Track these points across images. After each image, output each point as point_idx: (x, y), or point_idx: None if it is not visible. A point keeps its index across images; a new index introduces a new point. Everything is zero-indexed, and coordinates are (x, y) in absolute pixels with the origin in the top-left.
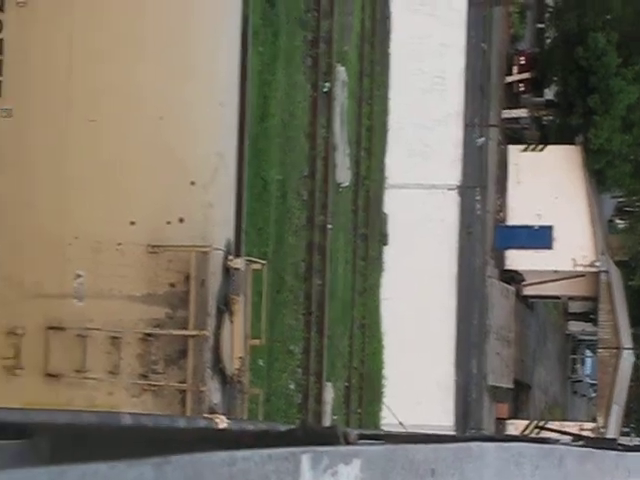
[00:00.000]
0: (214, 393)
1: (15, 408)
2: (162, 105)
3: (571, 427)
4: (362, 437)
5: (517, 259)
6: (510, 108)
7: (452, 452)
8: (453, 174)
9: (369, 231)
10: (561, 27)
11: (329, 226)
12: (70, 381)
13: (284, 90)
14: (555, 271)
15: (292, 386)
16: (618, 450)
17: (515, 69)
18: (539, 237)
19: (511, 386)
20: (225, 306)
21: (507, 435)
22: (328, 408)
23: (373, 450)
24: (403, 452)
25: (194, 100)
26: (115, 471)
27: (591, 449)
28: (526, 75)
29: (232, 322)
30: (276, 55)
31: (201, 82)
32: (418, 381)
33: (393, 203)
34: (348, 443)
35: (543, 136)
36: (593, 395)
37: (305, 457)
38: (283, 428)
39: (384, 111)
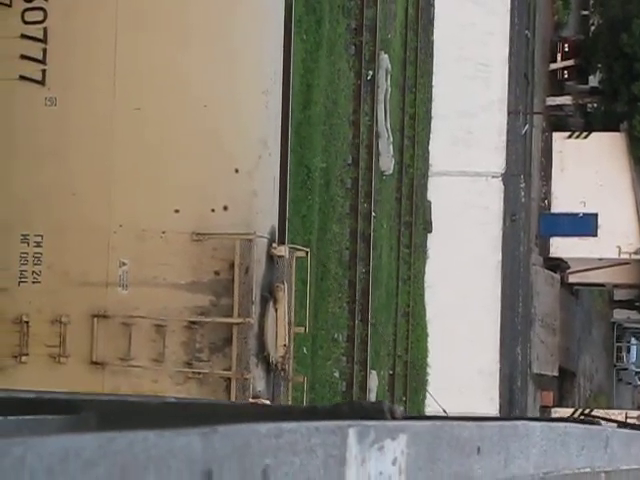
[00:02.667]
0: (258, 380)
1: (62, 391)
2: (207, 93)
3: (616, 415)
4: (408, 418)
5: (562, 247)
6: (554, 95)
7: (498, 430)
8: (497, 162)
9: (413, 219)
10: (605, 14)
11: (373, 214)
12: (115, 369)
13: (327, 78)
14: (600, 258)
15: (336, 374)
16: None
17: (559, 56)
18: (584, 224)
19: (556, 374)
20: (269, 294)
21: (553, 417)
22: (372, 396)
23: (419, 426)
24: (449, 429)
25: (238, 88)
26: (163, 439)
27: (638, 432)
28: (570, 62)
29: (276, 310)
30: (319, 43)
31: (245, 70)
32: (462, 369)
33: (437, 191)
34: (394, 419)
35: (587, 123)
36: (639, 383)
37: (352, 431)
38: (330, 405)
39: (428, 99)
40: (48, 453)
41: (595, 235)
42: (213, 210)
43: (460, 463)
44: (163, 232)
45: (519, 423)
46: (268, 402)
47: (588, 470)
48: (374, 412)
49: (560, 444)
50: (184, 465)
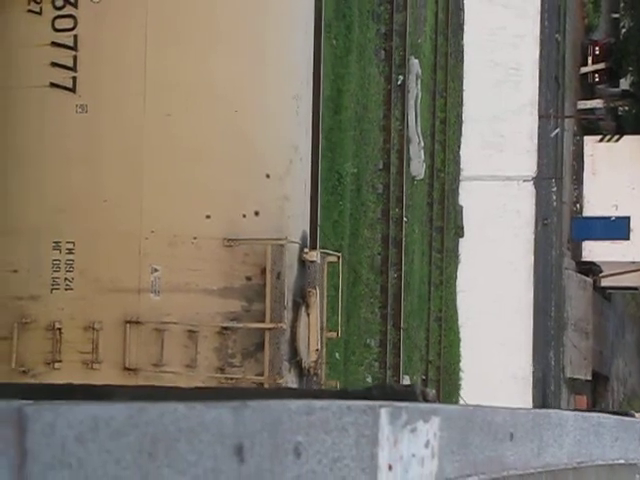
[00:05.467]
0: (291, 386)
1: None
2: (237, 98)
3: None
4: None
5: (594, 250)
6: (585, 99)
7: (531, 417)
8: (528, 165)
9: (444, 223)
10: (636, 16)
11: (405, 219)
12: (147, 375)
13: (357, 83)
14: (633, 262)
15: (369, 379)
16: None
17: (590, 59)
18: (616, 228)
19: (589, 378)
20: (301, 299)
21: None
22: None
23: (452, 409)
24: (482, 413)
25: (269, 93)
26: (194, 412)
27: None
28: (601, 65)
29: (308, 315)
30: (349, 48)
31: (275, 75)
32: (495, 374)
33: (468, 195)
34: (426, 401)
35: (619, 127)
36: None
37: (384, 411)
38: (362, 388)
39: (458, 103)
40: (78, 421)
41: (627, 238)
42: (244, 215)
43: (493, 448)
44: (194, 238)
45: (552, 412)
46: None
47: (622, 462)
48: (406, 394)
49: (594, 434)
50: (215, 438)
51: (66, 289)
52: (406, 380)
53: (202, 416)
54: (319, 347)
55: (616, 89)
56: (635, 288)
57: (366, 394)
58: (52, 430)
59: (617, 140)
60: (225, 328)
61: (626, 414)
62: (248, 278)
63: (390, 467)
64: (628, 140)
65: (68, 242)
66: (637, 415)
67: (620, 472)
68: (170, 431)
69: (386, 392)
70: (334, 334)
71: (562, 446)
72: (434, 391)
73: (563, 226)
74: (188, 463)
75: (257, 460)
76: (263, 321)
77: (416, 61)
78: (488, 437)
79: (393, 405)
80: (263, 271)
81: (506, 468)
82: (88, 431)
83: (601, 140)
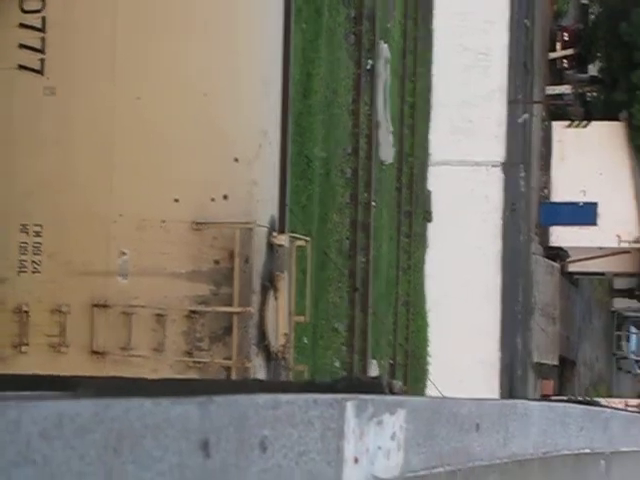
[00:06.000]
0: (259, 369)
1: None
2: (206, 81)
3: (616, 403)
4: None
5: (562, 236)
6: (554, 84)
7: (497, 408)
8: (497, 151)
9: (413, 208)
10: (605, 3)
11: (373, 203)
12: (115, 358)
13: (327, 67)
14: (600, 247)
15: (337, 364)
16: None
17: (559, 45)
18: (584, 213)
19: (556, 363)
20: (269, 283)
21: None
22: None
23: (418, 401)
24: (448, 405)
25: (238, 77)
26: (160, 408)
27: (637, 415)
28: (570, 51)
29: (276, 299)
30: (319, 32)
31: (245, 59)
32: (463, 358)
33: (437, 180)
34: (393, 393)
35: (587, 112)
36: (638, 372)
37: (350, 404)
38: (329, 380)
39: (427, 88)
40: (42, 417)
41: (595, 224)
42: (213, 199)
43: (459, 440)
44: (163, 221)
45: (518, 402)
46: None
47: (587, 451)
48: (372, 387)
49: (560, 424)
50: (180, 434)
51: (33, 272)
52: (374, 365)
53: (168, 412)
54: (287, 331)
55: (584, 75)
56: (602, 273)
57: (333, 386)
58: (17, 427)
59: (585, 126)
60: (193, 312)
61: (592, 403)
62: (216, 262)
63: (356, 460)
64: (596, 126)
65: (36, 225)
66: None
67: (585, 461)
68: (136, 427)
69: (353, 384)
70: (302, 318)
71: (528, 436)
72: (400, 383)
73: (531, 211)
74: (153, 459)
75: (223, 455)
76: (231, 305)
77: (385, 46)
78: (454, 428)
79: (359, 398)
80: (231, 255)
81: (472, 459)
82: (53, 427)
83: (569, 126)
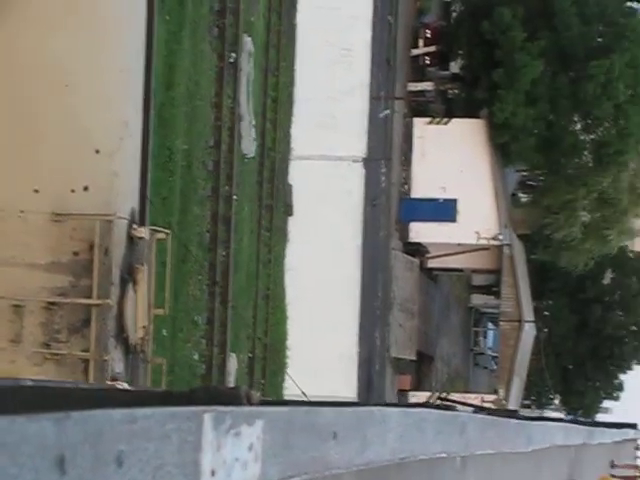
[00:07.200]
0: (117, 362)
1: None
2: (68, 73)
3: (473, 399)
4: (265, 404)
5: (421, 232)
6: (416, 81)
7: (354, 416)
8: (359, 146)
9: (274, 202)
10: (467, 1)
11: (234, 197)
12: None
13: (190, 59)
14: (459, 244)
15: (196, 356)
16: (519, 419)
17: (421, 42)
18: (443, 210)
19: (414, 358)
20: (129, 275)
21: (410, 403)
22: (231, 379)
23: (275, 412)
24: (305, 415)
25: (100, 68)
26: (15, 426)
27: (493, 417)
28: (432, 48)
29: (136, 291)
30: (182, 24)
31: (107, 50)
32: (322, 352)
33: (299, 174)
34: (251, 404)
35: (448, 109)
36: (495, 367)
37: (207, 417)
38: (186, 390)
39: (290, 82)
40: None
41: (454, 221)
42: (73, 191)
43: (316, 449)
44: (21, 212)
45: (375, 409)
46: (126, 384)
47: (444, 455)
48: (231, 397)
49: (416, 429)
50: (36, 451)
51: None
52: (233, 358)
53: (24, 430)
54: (146, 324)
55: (446, 72)
56: (460, 270)
57: (191, 396)
58: None
59: (446, 123)
60: (52, 303)
61: (448, 408)
62: (76, 253)
63: (213, 472)
64: (457, 123)
65: None
66: (459, 408)
67: (442, 466)
68: None
69: (211, 394)
70: (161, 311)
71: (385, 442)
72: (259, 393)
73: (391, 207)
74: (9, 476)
75: (79, 471)
76: (90, 297)
77: (249, 39)
78: (311, 437)
79: (217, 410)
80: (91, 247)
81: (329, 467)
82: None
83: (430, 122)
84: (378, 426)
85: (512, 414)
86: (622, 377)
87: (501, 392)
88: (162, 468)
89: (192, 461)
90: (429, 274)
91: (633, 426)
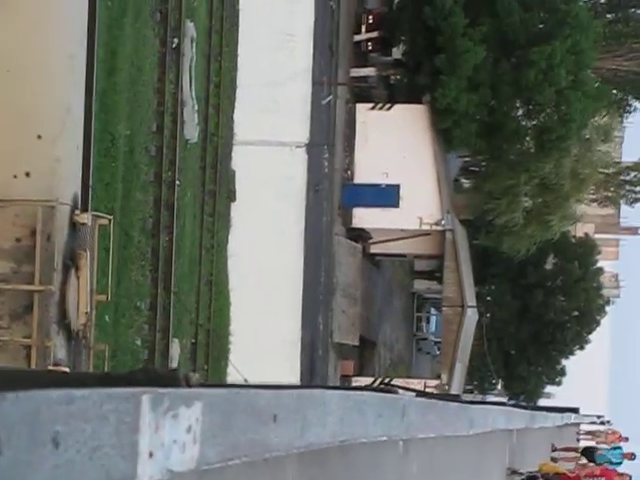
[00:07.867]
0: (59, 348)
1: None
2: (9, 58)
3: (415, 384)
4: (204, 386)
5: (364, 217)
6: (358, 67)
7: (295, 398)
8: (301, 132)
9: (217, 188)
10: None
11: (177, 182)
12: None
13: (132, 45)
14: (402, 229)
15: (138, 342)
16: (460, 403)
17: (363, 28)
18: (386, 195)
19: (357, 343)
20: (71, 261)
21: (351, 386)
22: (174, 365)
23: (214, 393)
24: (245, 396)
25: (41, 54)
26: None
27: (434, 401)
28: (374, 34)
29: (78, 277)
30: (125, 10)
31: (49, 35)
32: (264, 338)
33: (241, 160)
34: (190, 386)
35: (391, 95)
36: (437, 353)
37: (145, 398)
38: (125, 372)
39: (233, 68)
40: None
41: (397, 206)
42: (15, 176)
43: (256, 431)
44: None
45: (316, 391)
46: (68, 370)
47: (385, 438)
48: (169, 379)
49: (357, 412)
50: None
51: None
52: (175, 343)
53: None
54: (88, 310)
55: (388, 58)
56: (403, 255)
57: (130, 378)
58: None
59: (389, 108)
60: None
61: (389, 391)
62: (18, 239)
63: (151, 454)
64: (399, 109)
65: None
66: (400, 392)
67: (385, 449)
68: None
69: (150, 376)
70: (104, 297)
71: (325, 425)
72: (198, 375)
73: (334, 192)
74: None
75: (14, 452)
76: (32, 283)
77: (191, 24)
78: (251, 420)
79: (155, 391)
80: (33, 233)
81: (269, 450)
82: None
83: (373, 108)
84: (318, 408)
85: (454, 398)
86: (564, 362)
87: (444, 377)
88: (99, 449)
89: (130, 442)
90: (372, 260)
91: (575, 410)
